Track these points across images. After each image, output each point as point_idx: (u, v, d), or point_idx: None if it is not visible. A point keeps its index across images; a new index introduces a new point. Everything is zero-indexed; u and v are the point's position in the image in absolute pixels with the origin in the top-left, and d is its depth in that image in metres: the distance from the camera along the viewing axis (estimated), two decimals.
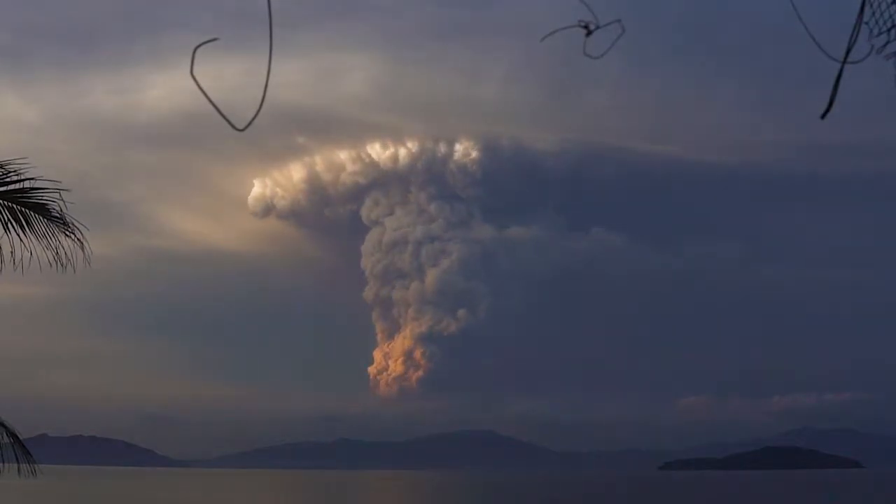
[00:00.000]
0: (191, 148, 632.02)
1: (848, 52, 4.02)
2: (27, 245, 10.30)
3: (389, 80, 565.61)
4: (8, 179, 10.32)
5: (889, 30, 4.09)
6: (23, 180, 10.34)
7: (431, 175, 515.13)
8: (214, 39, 3.94)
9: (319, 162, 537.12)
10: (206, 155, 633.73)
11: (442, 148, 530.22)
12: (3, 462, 10.92)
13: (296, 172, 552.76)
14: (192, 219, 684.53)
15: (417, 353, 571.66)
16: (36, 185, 10.35)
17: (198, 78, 3.81)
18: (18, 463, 10.98)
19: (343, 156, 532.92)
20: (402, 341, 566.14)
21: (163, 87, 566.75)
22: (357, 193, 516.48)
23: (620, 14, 4.24)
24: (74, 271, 10.38)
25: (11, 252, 10.29)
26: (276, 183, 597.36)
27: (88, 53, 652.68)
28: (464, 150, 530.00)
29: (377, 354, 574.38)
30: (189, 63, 3.83)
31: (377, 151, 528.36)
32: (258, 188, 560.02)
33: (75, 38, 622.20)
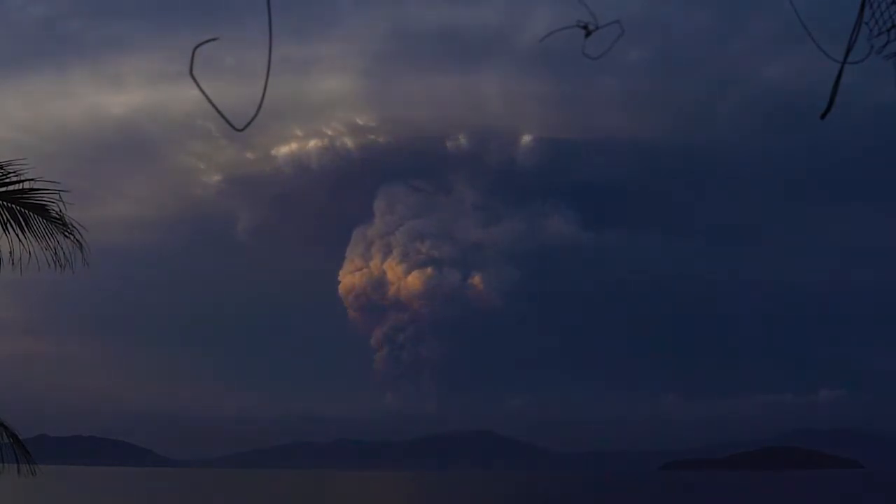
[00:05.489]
0: (172, 154, 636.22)
1: (848, 52, 4.01)
2: (26, 245, 10.30)
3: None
4: (7, 180, 10.33)
5: (889, 30, 4.09)
6: (22, 181, 10.35)
7: (422, 174, 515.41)
8: (214, 39, 3.90)
9: (312, 161, 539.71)
10: (186, 161, 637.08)
11: (444, 144, 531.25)
12: (3, 462, 10.92)
13: (287, 172, 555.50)
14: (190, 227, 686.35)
15: (416, 354, 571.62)
16: (35, 186, 10.36)
17: (196, 78, 3.78)
18: (18, 463, 10.98)
19: (332, 152, 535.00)
20: (402, 341, 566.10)
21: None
22: (360, 192, 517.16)
23: (621, 14, 4.24)
24: (73, 272, 10.39)
25: (10, 252, 10.30)
26: (273, 193, 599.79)
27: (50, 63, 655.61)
28: (462, 146, 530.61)
29: (376, 354, 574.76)
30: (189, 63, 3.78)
31: (365, 147, 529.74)
32: (248, 215, 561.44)
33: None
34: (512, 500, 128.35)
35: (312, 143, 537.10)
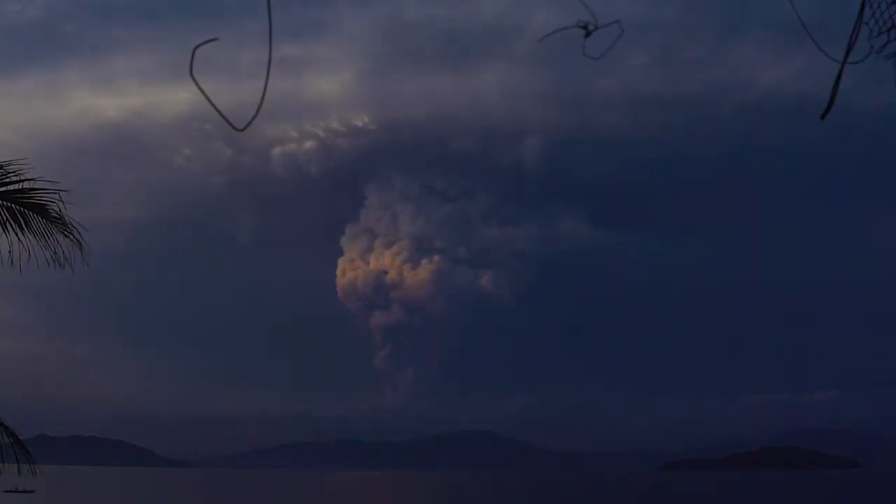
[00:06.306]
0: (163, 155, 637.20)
1: (848, 52, 4.00)
2: (25, 245, 10.28)
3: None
4: (7, 180, 10.31)
5: (889, 30, 4.08)
6: (22, 181, 10.33)
7: (422, 174, 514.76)
8: (214, 39, 3.89)
9: (304, 158, 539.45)
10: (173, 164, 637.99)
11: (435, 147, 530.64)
12: (3, 462, 10.91)
13: (285, 172, 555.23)
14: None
15: (417, 354, 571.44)
16: (35, 186, 10.35)
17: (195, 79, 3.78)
18: (18, 463, 10.96)
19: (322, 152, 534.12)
20: (402, 342, 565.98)
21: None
22: (359, 192, 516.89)
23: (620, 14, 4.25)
24: (73, 272, 10.37)
25: (10, 252, 10.27)
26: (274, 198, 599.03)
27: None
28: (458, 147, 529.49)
29: (376, 354, 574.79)
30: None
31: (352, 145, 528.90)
32: (246, 215, 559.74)
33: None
34: (512, 500, 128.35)
35: (309, 144, 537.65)
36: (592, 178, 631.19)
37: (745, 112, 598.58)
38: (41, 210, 10.37)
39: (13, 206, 10.35)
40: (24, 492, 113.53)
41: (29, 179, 10.35)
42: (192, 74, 3.75)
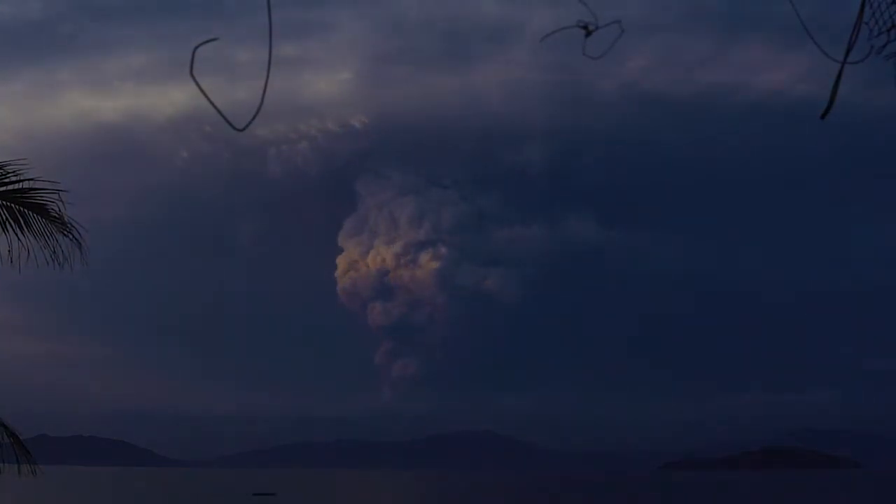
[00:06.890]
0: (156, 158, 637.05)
1: (848, 52, 4.01)
2: (25, 245, 10.29)
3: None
4: (7, 180, 10.32)
5: (889, 30, 4.08)
6: (22, 181, 10.34)
7: (423, 174, 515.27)
8: (214, 39, 3.90)
9: (303, 157, 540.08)
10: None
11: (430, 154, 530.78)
12: (3, 462, 10.91)
13: (283, 172, 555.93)
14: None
15: (417, 354, 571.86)
16: (35, 186, 10.36)
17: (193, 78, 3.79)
18: (18, 463, 10.96)
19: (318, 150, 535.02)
20: (402, 341, 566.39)
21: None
22: (357, 192, 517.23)
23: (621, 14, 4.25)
24: (72, 271, 10.38)
25: (9, 251, 10.28)
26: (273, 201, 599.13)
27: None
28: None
29: (376, 353, 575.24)
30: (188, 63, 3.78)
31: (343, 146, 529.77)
32: (246, 214, 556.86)
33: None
34: (512, 500, 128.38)
35: (308, 144, 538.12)
36: (592, 179, 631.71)
37: (745, 112, 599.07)
38: (41, 210, 10.38)
39: (13, 205, 10.36)
40: (268, 494, 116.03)
41: (28, 179, 10.37)
42: (192, 74, 3.75)
